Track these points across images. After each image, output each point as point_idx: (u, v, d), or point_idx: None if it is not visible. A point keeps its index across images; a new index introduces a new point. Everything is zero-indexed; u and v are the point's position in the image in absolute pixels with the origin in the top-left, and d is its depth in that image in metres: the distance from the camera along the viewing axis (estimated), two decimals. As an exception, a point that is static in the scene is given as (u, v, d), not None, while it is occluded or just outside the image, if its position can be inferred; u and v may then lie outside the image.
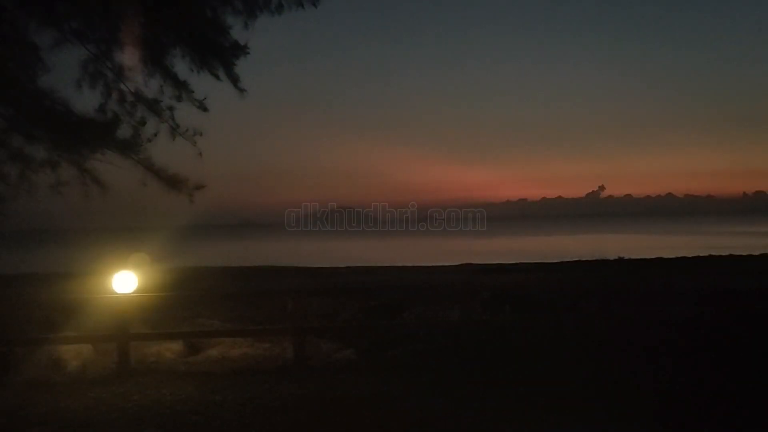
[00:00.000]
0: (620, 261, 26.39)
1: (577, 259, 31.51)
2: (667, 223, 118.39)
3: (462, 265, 29.91)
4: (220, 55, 6.86)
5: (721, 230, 78.48)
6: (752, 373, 6.22)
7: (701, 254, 29.39)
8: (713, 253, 29.76)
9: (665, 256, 29.78)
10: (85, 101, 7.33)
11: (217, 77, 7.05)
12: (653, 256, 29.46)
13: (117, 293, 7.92)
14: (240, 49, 6.91)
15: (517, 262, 31.21)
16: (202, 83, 7.31)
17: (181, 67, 7.23)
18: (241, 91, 7.20)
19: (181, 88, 7.32)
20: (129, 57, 7.26)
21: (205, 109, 7.50)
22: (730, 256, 27.63)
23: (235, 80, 7.09)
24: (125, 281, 8.10)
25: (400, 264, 32.15)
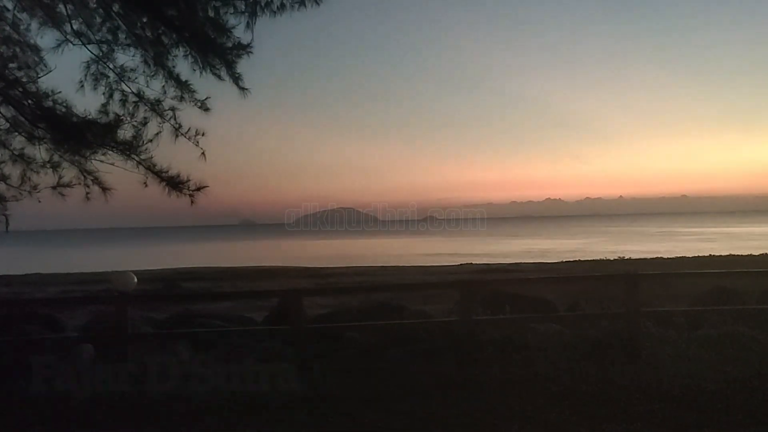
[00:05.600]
0: (621, 261, 26.45)
1: (577, 259, 31.60)
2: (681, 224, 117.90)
3: (462, 264, 29.99)
4: (223, 55, 6.85)
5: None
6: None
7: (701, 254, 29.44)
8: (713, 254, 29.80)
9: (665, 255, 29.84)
10: (87, 102, 7.36)
11: (220, 77, 7.04)
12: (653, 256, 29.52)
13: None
14: (242, 49, 6.90)
15: (518, 261, 31.29)
16: (202, 83, 7.33)
17: (183, 67, 7.25)
18: (243, 90, 7.20)
19: (184, 88, 7.33)
20: (131, 58, 7.28)
21: (206, 110, 7.51)
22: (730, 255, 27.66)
23: (237, 80, 7.09)
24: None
25: (400, 264, 32.21)
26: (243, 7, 6.79)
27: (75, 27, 6.92)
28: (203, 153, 7.50)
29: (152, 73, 7.34)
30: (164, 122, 7.53)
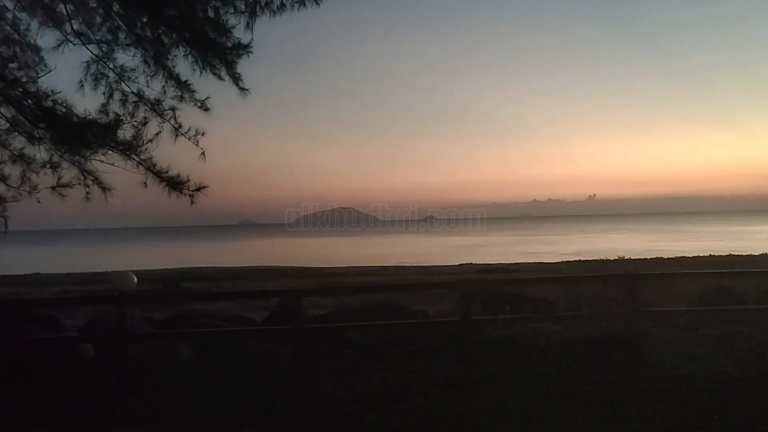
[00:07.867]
0: (621, 261, 26.40)
1: (577, 258, 31.59)
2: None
3: (462, 264, 29.96)
4: (222, 54, 6.86)
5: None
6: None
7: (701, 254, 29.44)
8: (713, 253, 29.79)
9: (665, 255, 29.84)
10: (87, 102, 7.38)
11: (219, 77, 7.06)
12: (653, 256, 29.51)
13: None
14: (242, 49, 6.91)
15: (518, 261, 31.27)
16: (202, 83, 7.34)
17: (183, 67, 7.26)
18: (243, 90, 7.21)
19: (184, 88, 7.34)
20: (131, 58, 7.29)
21: (206, 110, 7.53)
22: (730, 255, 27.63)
23: (237, 80, 7.10)
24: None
25: (400, 264, 32.21)
26: (243, 7, 6.81)
27: (75, 27, 6.93)
28: (203, 153, 7.53)
29: (152, 73, 7.36)
30: (164, 122, 7.55)
